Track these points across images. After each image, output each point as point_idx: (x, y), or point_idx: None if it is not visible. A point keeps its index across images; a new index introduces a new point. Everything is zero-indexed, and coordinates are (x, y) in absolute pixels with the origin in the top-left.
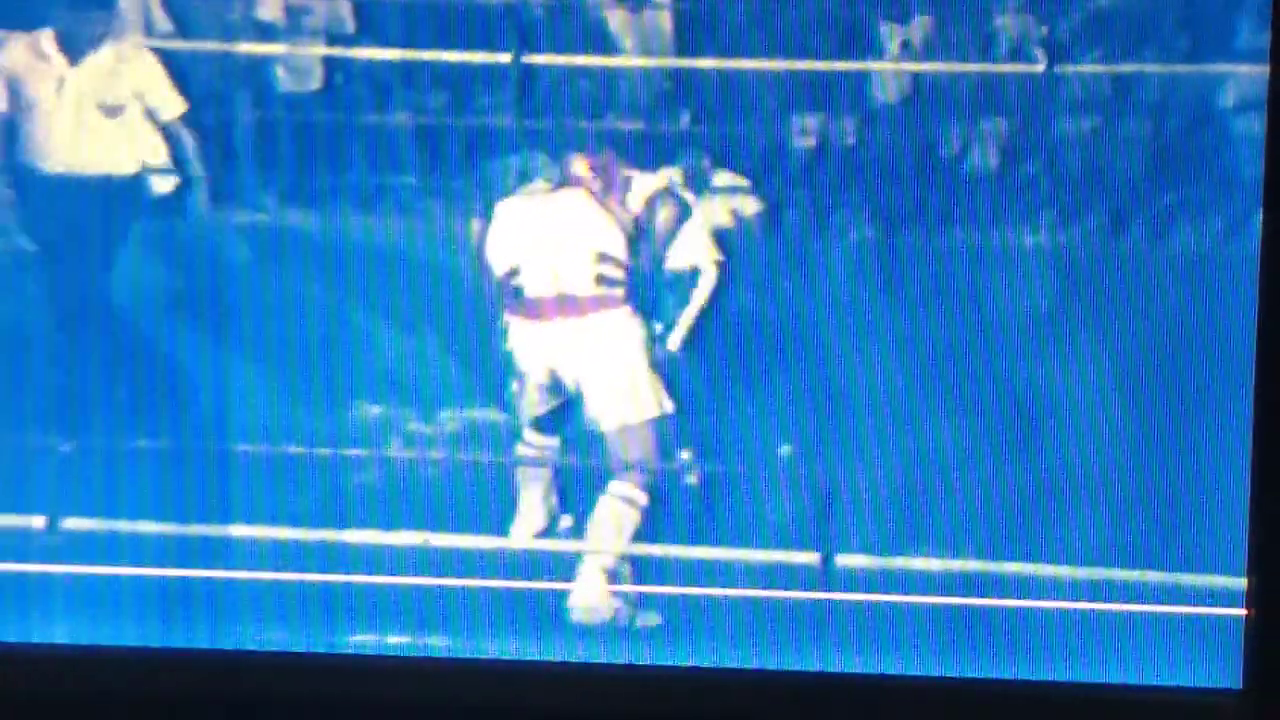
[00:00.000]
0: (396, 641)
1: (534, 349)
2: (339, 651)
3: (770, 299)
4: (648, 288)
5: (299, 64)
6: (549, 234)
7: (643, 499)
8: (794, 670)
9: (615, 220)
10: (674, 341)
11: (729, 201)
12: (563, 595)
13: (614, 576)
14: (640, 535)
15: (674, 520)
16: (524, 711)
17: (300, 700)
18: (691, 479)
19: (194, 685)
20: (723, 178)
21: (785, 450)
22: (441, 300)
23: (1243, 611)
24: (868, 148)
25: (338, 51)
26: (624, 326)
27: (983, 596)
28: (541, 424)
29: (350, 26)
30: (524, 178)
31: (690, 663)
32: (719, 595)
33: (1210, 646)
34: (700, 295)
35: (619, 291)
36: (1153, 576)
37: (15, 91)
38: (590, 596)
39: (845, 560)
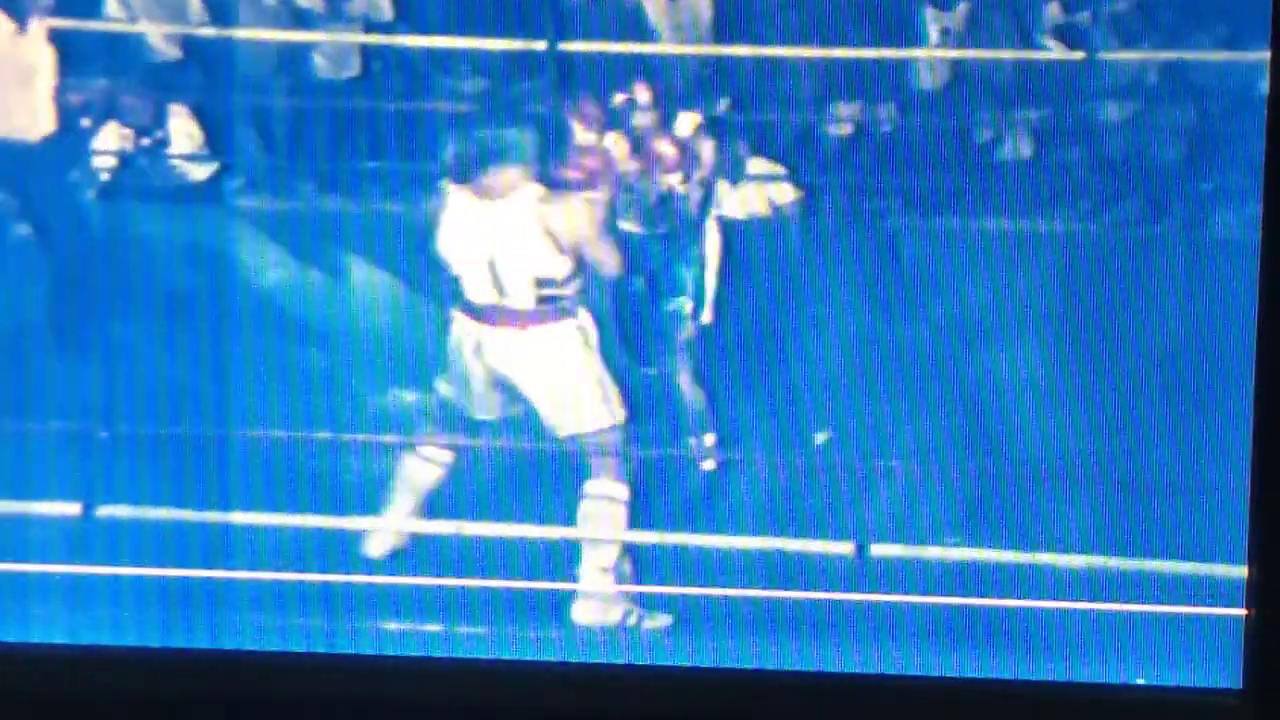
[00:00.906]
0: (397, 631)
1: (480, 351)
2: (339, 651)
3: (803, 284)
4: (606, 295)
5: (335, 51)
6: (490, 245)
7: (623, 492)
8: (794, 670)
9: (555, 241)
10: (707, 315)
11: (764, 189)
12: (562, 594)
13: (618, 576)
14: (639, 527)
15: (692, 509)
16: (526, 711)
17: (300, 700)
18: (709, 464)
19: (194, 685)
20: (758, 165)
21: (821, 438)
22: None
23: (1243, 611)
24: (905, 134)
25: (374, 39)
26: (570, 339)
27: (983, 595)
28: (475, 429)
29: (388, 14)
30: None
31: (691, 662)
32: (718, 594)
33: (1210, 646)
34: (712, 257)
35: (564, 303)
36: (1151, 568)
37: None
38: (594, 601)
39: (881, 550)
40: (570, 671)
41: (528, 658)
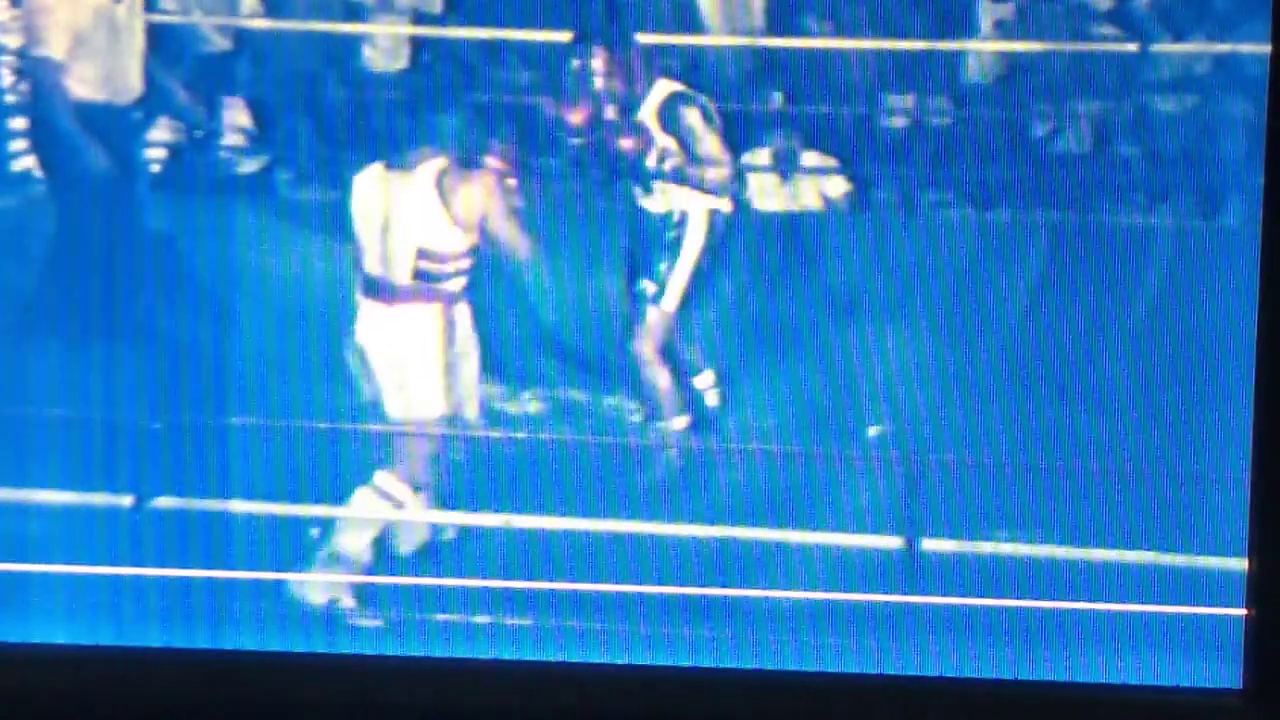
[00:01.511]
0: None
1: (356, 328)
2: (339, 651)
3: (857, 278)
4: (485, 283)
5: (382, 43)
6: (384, 216)
7: (405, 495)
8: (794, 670)
9: (450, 216)
10: (669, 303)
11: (817, 183)
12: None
13: (348, 566)
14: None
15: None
16: (524, 711)
17: (300, 700)
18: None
19: (194, 685)
20: (811, 158)
21: (874, 431)
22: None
23: (1243, 611)
24: (958, 127)
25: (425, 31)
26: (430, 324)
27: (981, 595)
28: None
29: (437, 5)
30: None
31: (691, 663)
32: (718, 595)
33: (1211, 647)
34: (691, 247)
35: (445, 287)
36: (1151, 560)
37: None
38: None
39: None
40: (567, 671)
41: (525, 658)
